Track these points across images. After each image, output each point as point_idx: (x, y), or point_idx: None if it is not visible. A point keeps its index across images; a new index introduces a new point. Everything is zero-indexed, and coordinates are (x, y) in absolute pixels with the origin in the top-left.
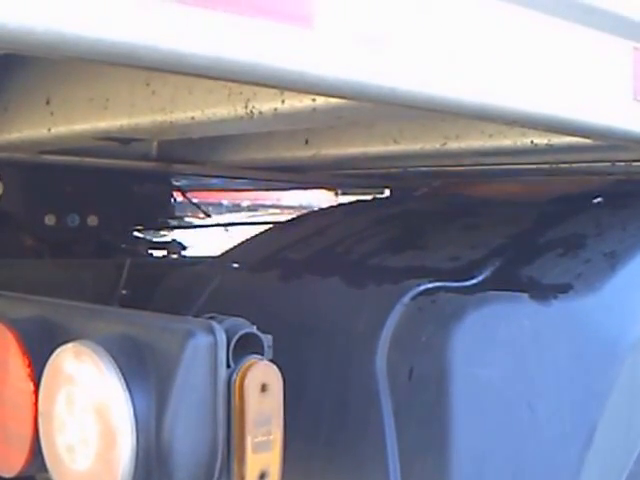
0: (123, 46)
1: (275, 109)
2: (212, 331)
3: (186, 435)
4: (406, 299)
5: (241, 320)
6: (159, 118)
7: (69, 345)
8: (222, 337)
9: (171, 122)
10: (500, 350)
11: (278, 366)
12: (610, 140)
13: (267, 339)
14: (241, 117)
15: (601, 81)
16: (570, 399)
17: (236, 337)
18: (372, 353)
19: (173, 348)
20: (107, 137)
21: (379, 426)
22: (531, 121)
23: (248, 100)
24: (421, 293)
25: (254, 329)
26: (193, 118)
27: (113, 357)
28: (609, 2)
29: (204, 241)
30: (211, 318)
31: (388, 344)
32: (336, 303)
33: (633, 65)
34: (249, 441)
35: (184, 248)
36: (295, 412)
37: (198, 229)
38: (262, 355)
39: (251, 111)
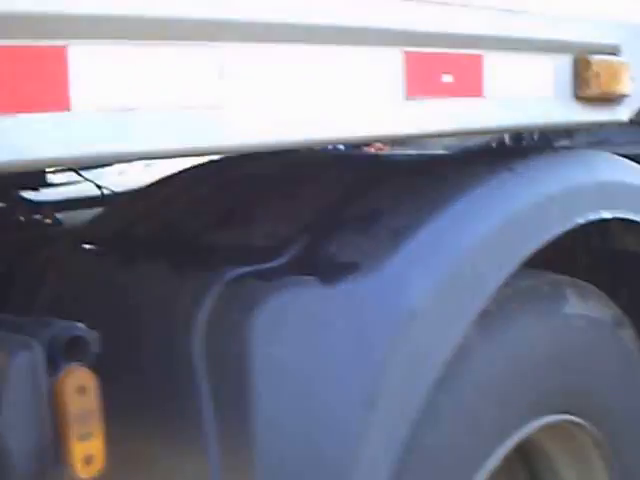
0: None
1: None
2: (30, 348)
3: (18, 436)
4: (218, 285)
5: (69, 324)
6: None
7: None
8: (39, 353)
9: None
10: (293, 333)
11: (97, 367)
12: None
13: (93, 340)
14: None
15: (375, 86)
16: (352, 373)
17: (60, 344)
18: (189, 339)
19: None
20: None
21: (198, 410)
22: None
23: None
24: (232, 278)
25: (81, 332)
26: None
27: None
28: (378, 20)
29: None
30: (41, 322)
31: (205, 329)
32: (160, 289)
33: (403, 67)
34: (73, 434)
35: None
36: (120, 400)
37: None
38: (85, 357)
39: None
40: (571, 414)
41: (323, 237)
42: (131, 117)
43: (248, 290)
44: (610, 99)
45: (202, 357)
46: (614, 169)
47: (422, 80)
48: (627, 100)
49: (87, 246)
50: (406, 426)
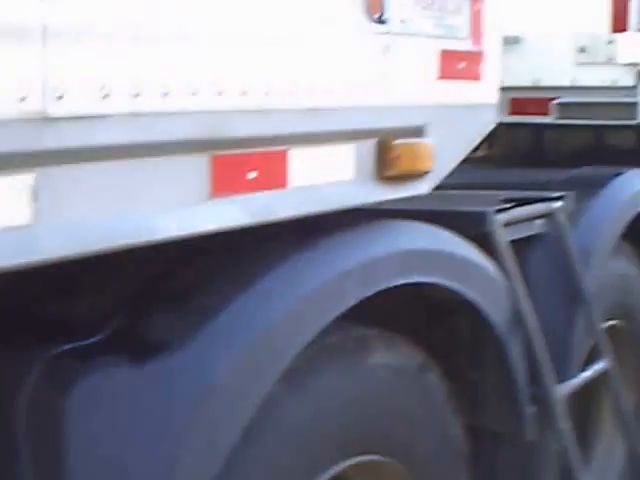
0: None
1: None
2: None
3: None
4: (40, 363)
5: None
6: None
7: None
8: None
9: None
10: (105, 412)
11: None
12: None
13: None
14: None
15: (181, 189)
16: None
17: None
18: (13, 417)
19: None
20: None
21: None
22: None
23: None
24: (53, 356)
25: None
26: None
27: None
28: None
29: None
30: None
31: (26, 407)
32: None
33: (209, 169)
34: None
35: None
36: None
37: None
38: None
39: None
40: (378, 454)
41: (138, 314)
42: None
43: (65, 370)
44: (412, 177)
45: (26, 436)
46: (412, 237)
47: (227, 179)
48: (429, 176)
49: None
50: None
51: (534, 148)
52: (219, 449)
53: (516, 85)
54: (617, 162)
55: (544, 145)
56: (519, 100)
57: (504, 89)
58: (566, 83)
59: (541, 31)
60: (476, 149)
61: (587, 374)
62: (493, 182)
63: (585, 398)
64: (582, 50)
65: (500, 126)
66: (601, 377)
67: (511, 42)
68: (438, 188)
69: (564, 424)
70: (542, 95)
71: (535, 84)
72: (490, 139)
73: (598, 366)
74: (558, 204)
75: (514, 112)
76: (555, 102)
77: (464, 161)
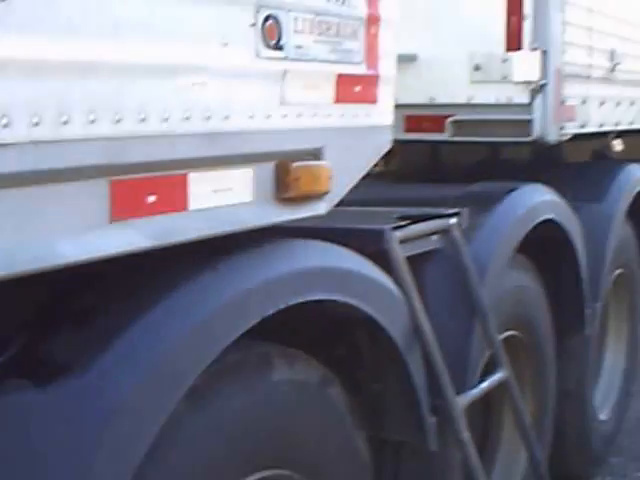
0: None
1: None
2: None
3: None
4: None
5: None
6: None
7: None
8: None
9: None
10: (11, 438)
11: None
12: None
13: None
14: None
15: (81, 214)
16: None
17: None
18: None
19: None
20: None
21: None
22: None
23: None
24: None
25: None
26: None
27: None
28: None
29: None
30: None
31: None
32: None
33: (108, 194)
34: None
35: None
36: None
37: None
38: None
39: None
40: (284, 469)
41: (42, 336)
42: None
43: None
44: (311, 198)
45: None
46: (312, 255)
47: (127, 203)
48: (327, 197)
49: None
50: None
51: (430, 164)
52: (125, 469)
53: (412, 103)
54: (512, 177)
55: (440, 161)
56: (415, 117)
57: (400, 106)
58: (462, 100)
59: (437, 49)
60: (374, 165)
61: (485, 385)
62: (390, 198)
63: (487, 407)
64: (477, 68)
65: (396, 143)
66: (500, 387)
67: (407, 60)
68: (336, 205)
69: (464, 433)
70: (438, 112)
71: (431, 101)
72: (387, 155)
73: (496, 376)
74: (453, 220)
75: (410, 129)
76: (450, 119)
77: (362, 177)
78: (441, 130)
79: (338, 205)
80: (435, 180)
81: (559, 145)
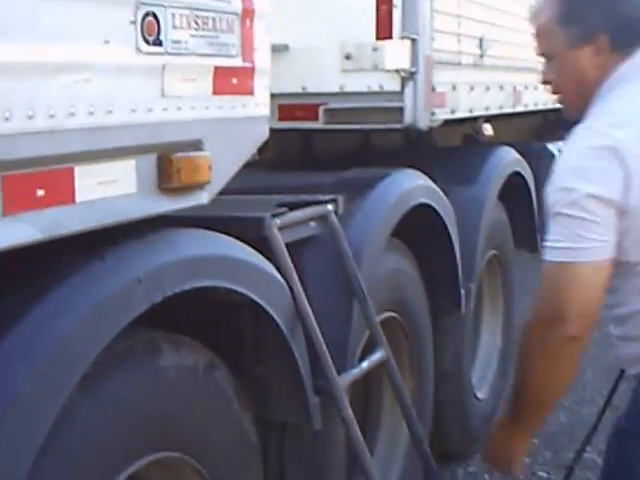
0: None
1: None
2: None
3: None
4: None
5: None
6: None
7: None
8: None
9: None
10: None
11: None
12: None
13: None
14: None
15: None
16: None
17: None
18: None
19: None
20: None
21: None
22: None
23: None
24: None
25: None
26: None
27: None
28: None
29: None
30: None
31: None
32: None
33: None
34: None
35: None
36: None
37: None
38: None
39: None
40: (173, 451)
41: None
42: None
43: None
44: (192, 188)
45: None
46: (196, 244)
47: (18, 198)
48: (209, 186)
49: None
50: None
51: (306, 152)
52: (23, 458)
53: (285, 92)
54: (386, 164)
55: (316, 149)
56: (288, 106)
57: (274, 96)
58: (334, 89)
59: (309, 39)
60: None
61: (366, 364)
62: (267, 186)
63: (367, 388)
64: (349, 57)
65: (271, 131)
66: (380, 368)
67: (280, 50)
68: (218, 193)
69: (347, 411)
70: (310, 101)
71: (304, 90)
72: (264, 144)
73: (376, 356)
74: (330, 206)
75: (283, 118)
76: (323, 108)
77: (241, 166)
78: (314, 118)
79: (219, 194)
80: (310, 168)
81: (431, 130)
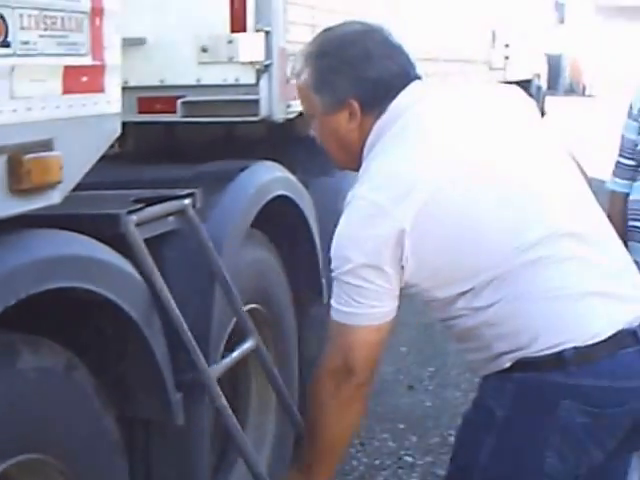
0: None
1: None
2: None
3: None
4: None
5: None
6: None
7: None
8: None
9: None
10: None
11: None
12: None
13: None
14: None
15: None
16: None
17: None
18: None
19: None
20: None
21: None
22: None
23: None
24: None
25: None
26: None
27: None
28: None
29: None
30: None
31: None
32: None
33: None
34: None
35: None
36: None
37: None
38: None
39: None
40: (36, 453)
41: None
42: None
43: None
44: (44, 188)
45: None
46: (50, 244)
47: None
48: (60, 185)
49: None
50: None
51: (166, 145)
52: None
53: (144, 85)
54: (247, 156)
55: (176, 142)
56: (147, 99)
57: (132, 89)
58: (191, 82)
59: (165, 32)
60: (110, 147)
61: (236, 354)
62: (126, 180)
63: (233, 380)
64: (204, 50)
65: (131, 124)
66: (247, 358)
67: (136, 43)
68: (73, 190)
69: (220, 401)
70: (168, 94)
71: (162, 83)
72: (122, 137)
73: (246, 345)
74: (187, 201)
75: (143, 111)
76: (181, 101)
77: (98, 160)
78: (173, 111)
79: (75, 189)
80: (171, 161)
81: (291, 122)
